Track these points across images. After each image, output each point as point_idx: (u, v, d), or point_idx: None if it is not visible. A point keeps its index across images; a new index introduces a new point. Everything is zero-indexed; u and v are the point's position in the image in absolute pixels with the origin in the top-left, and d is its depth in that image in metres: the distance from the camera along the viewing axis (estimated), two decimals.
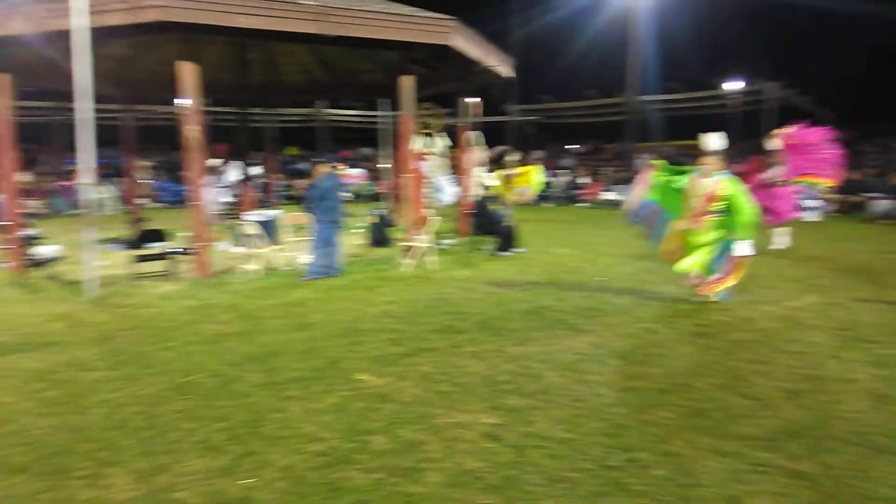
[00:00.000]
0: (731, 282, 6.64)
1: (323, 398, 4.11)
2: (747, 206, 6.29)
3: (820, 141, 10.15)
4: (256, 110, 15.65)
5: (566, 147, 31.57)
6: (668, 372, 4.57)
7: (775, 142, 10.25)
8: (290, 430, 3.64)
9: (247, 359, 4.95)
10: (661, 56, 28.89)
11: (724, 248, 6.45)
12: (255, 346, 5.27)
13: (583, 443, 3.42)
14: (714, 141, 6.52)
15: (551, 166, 27.54)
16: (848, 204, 17.92)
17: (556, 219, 16.97)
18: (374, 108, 22.39)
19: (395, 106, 12.46)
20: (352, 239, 11.68)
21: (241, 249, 9.23)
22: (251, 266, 8.52)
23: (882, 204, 15.90)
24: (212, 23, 7.42)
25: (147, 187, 21.52)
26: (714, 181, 6.38)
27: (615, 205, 22.44)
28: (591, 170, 26.73)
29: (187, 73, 7.85)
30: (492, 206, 11.07)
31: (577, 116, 30.88)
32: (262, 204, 15.39)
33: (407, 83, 9.31)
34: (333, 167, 9.16)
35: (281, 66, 13.34)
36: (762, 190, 10.33)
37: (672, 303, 6.70)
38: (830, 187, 10.81)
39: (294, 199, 21.04)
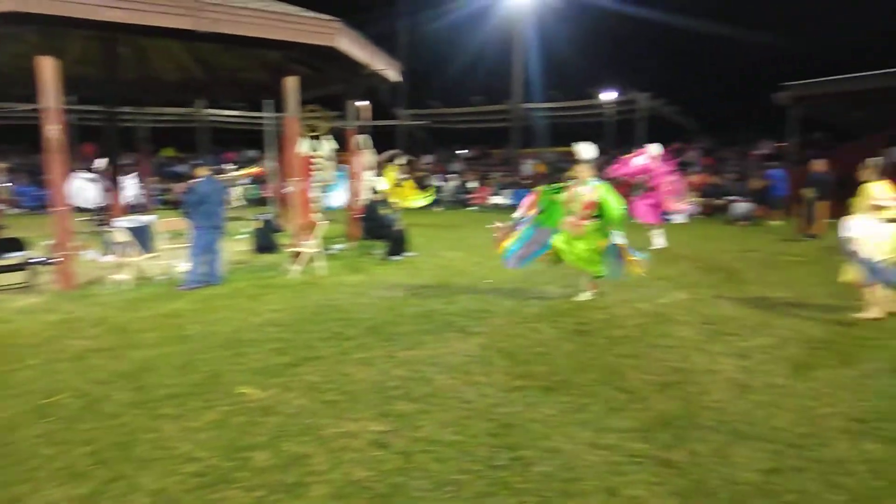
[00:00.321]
0: (633, 261, 6.94)
1: (200, 415, 3.89)
2: (617, 206, 6.71)
3: (663, 166, 11.08)
4: (127, 109, 14.67)
5: (456, 152, 32.05)
6: (552, 370, 4.71)
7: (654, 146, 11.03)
8: (163, 451, 3.41)
9: (116, 376, 4.61)
10: (543, 66, 30.06)
11: (611, 245, 6.82)
12: (125, 363, 4.92)
13: (470, 444, 3.45)
14: (585, 150, 6.82)
15: (440, 170, 27.87)
16: (712, 206, 19.41)
17: (447, 223, 17.17)
18: (258, 109, 21.72)
19: (279, 107, 12.12)
20: (235, 245, 11.23)
21: (110, 258, 8.64)
22: (122, 276, 7.97)
23: (741, 206, 17.32)
24: (71, 15, 6.89)
25: (5, 191, 19.69)
26: (589, 188, 6.72)
27: (503, 208, 23.05)
28: (480, 174, 27.30)
29: (47, 68, 7.24)
30: (382, 211, 11.01)
31: (465, 122, 31.44)
32: (135, 209, 14.50)
33: (291, 84, 9.07)
34: (214, 171, 8.74)
35: (155, 63, 12.61)
36: (635, 194, 11.02)
37: (555, 302, 6.93)
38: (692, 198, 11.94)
39: (171, 204, 19.98)
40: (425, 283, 8.21)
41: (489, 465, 3.21)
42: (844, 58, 17.43)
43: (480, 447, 3.42)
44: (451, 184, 24.85)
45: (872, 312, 6.04)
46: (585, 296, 7.05)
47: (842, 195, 8.95)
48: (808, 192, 13.27)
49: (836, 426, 3.68)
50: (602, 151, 27.39)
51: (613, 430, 3.64)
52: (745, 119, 25.74)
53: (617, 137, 28.18)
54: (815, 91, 17.98)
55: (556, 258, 7.04)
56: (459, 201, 24.16)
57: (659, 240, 11.35)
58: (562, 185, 7.19)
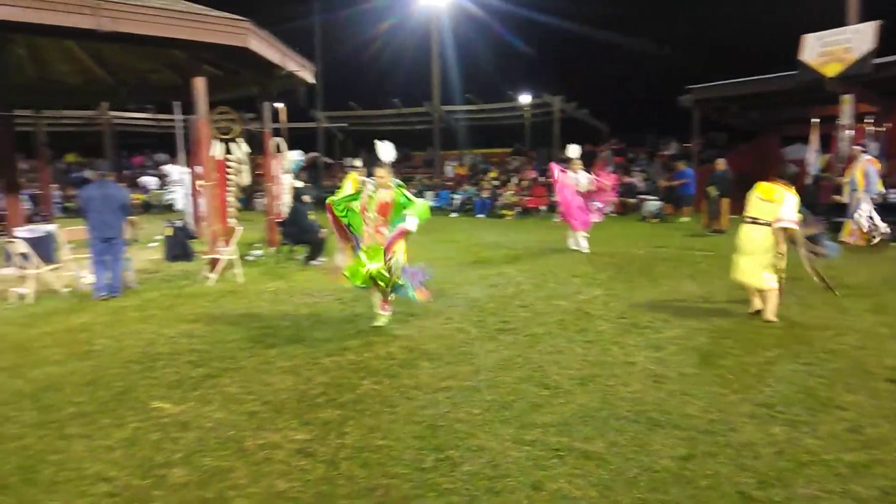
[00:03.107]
0: (423, 284, 6.07)
1: (111, 433, 3.69)
2: (421, 204, 5.96)
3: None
4: (25, 113, 13.77)
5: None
6: (476, 369, 4.76)
7: (574, 150, 10.97)
8: (72, 472, 3.22)
9: (18, 396, 4.32)
10: (461, 69, 30.38)
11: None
12: (27, 381, 4.61)
13: (396, 448, 3.43)
14: (385, 151, 6.11)
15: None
16: (624, 205, 20.15)
17: None
18: (168, 111, 20.86)
19: (189, 109, 11.67)
20: (147, 253, 10.77)
21: (10, 270, 8.10)
22: (23, 289, 7.47)
23: (652, 204, 18.08)
24: None
25: None
26: (387, 192, 5.95)
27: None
28: (401, 177, 27.25)
29: None
30: (303, 215, 10.75)
31: (386, 124, 31.34)
32: (36, 218, 13.64)
33: (199, 85, 8.76)
34: (103, 175, 8.29)
35: (53, 65, 11.90)
36: (569, 196, 10.95)
37: (480, 302, 7.00)
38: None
39: (74, 212, 18.95)
40: (349, 287, 8.11)
41: (416, 468, 3.21)
42: (744, 62, 18.45)
43: (407, 450, 3.41)
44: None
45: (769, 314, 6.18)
46: (383, 319, 6.15)
47: (741, 192, 9.50)
48: (712, 190, 14.03)
49: (744, 412, 3.89)
50: (520, 153, 28.02)
51: (536, 425, 3.71)
52: (652, 121, 26.90)
53: (534, 139, 28.89)
54: (714, 94, 19.04)
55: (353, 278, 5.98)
56: None
57: (583, 242, 11.02)
58: (357, 192, 6.23)
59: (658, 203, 18.06)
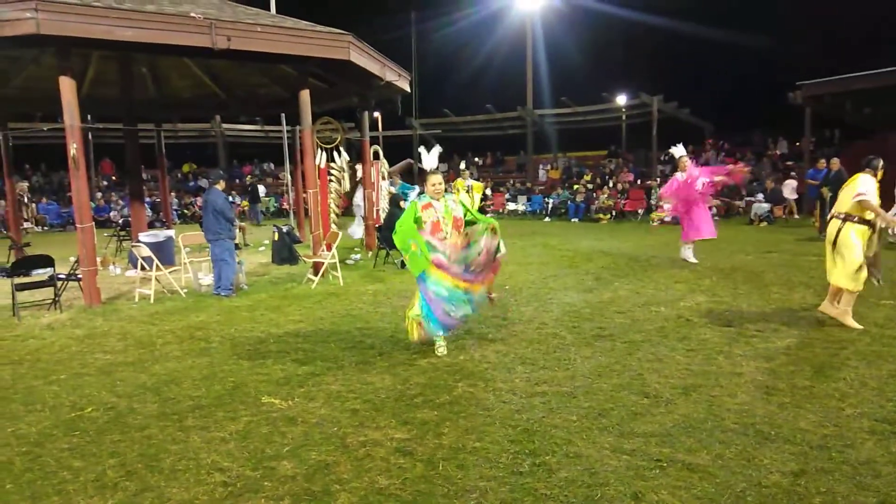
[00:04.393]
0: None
1: (225, 425, 3.94)
2: (488, 218, 5.50)
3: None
4: (147, 126, 14.91)
5: (475, 159, 32.08)
6: (572, 375, 4.70)
7: (679, 149, 10.21)
8: (190, 462, 3.46)
9: (142, 389, 4.69)
10: (554, 72, 30.10)
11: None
12: (150, 375, 4.99)
13: (492, 451, 3.45)
14: (429, 158, 5.50)
15: (454, 179, 27.86)
16: (729, 208, 19.25)
17: None
18: (274, 123, 21.93)
19: (294, 120, 12.21)
20: (256, 257, 11.35)
21: (134, 273, 8.78)
22: (145, 290, 8.08)
23: (760, 207, 17.17)
24: (88, 36, 7.04)
25: (30, 209, 20.08)
26: (451, 202, 5.37)
27: (518, 214, 23.03)
28: (494, 181, 27.33)
29: (66, 88, 7.39)
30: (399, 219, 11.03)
31: (478, 130, 31.49)
32: (156, 223, 14.70)
33: (305, 98, 9.17)
34: (211, 182, 8.77)
35: (171, 81, 12.83)
36: (685, 203, 9.80)
37: (575, 308, 6.91)
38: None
39: (190, 218, 20.29)
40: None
41: (512, 472, 3.22)
42: (855, 56, 17.21)
43: (503, 454, 3.42)
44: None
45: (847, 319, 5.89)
46: (443, 348, 5.38)
47: None
48: (826, 191, 13.11)
49: (862, 427, 3.63)
50: (616, 155, 27.36)
51: (636, 434, 3.62)
52: (760, 119, 25.51)
53: (630, 140, 28.15)
54: (826, 90, 17.81)
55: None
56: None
57: (689, 252, 10.01)
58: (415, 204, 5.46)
59: (767, 205, 17.13)
